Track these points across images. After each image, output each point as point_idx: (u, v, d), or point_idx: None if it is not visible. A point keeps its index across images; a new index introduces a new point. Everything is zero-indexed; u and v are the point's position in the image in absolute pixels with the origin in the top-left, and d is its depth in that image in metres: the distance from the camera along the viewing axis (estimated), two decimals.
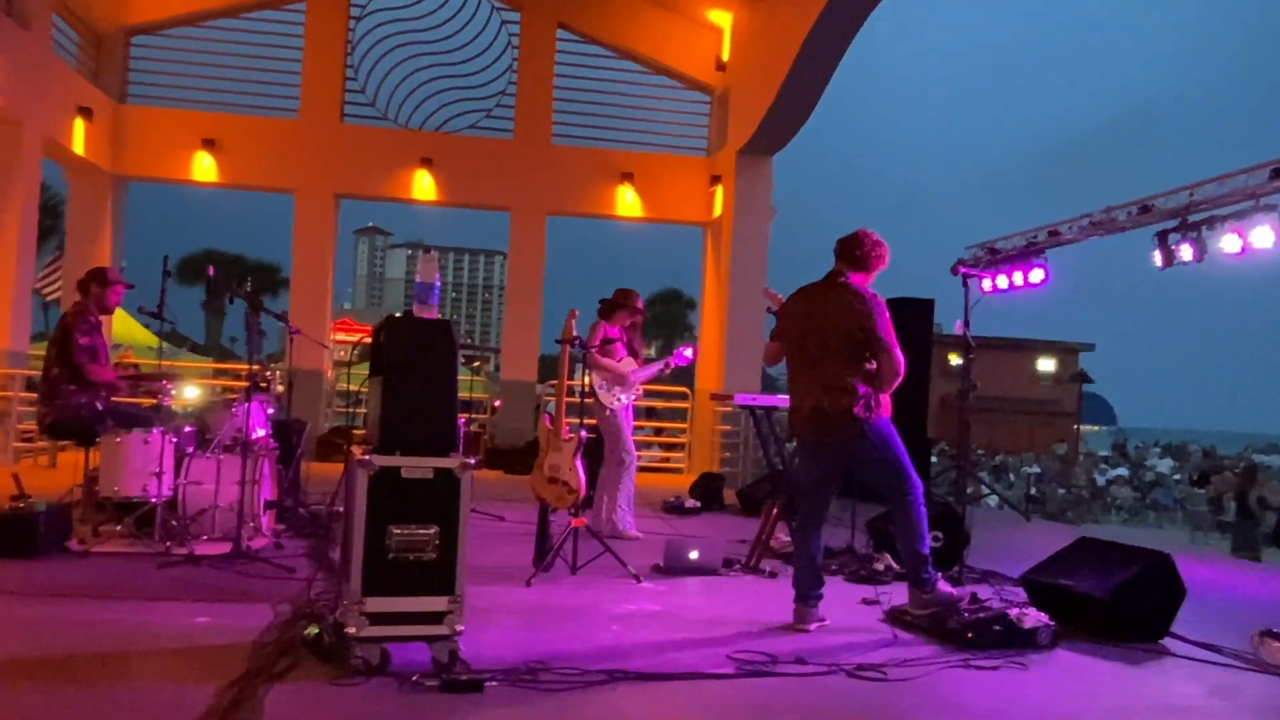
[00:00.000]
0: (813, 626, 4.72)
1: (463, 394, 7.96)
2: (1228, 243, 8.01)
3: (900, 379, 4.75)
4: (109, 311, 6.76)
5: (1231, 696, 3.99)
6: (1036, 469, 25.00)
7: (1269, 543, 14.47)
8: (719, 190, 13.73)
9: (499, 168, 13.76)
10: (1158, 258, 8.87)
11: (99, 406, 6.20)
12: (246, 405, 6.05)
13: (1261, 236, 7.67)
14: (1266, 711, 3.72)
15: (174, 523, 5.88)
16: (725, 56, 13.84)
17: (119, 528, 5.82)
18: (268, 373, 6.64)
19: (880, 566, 6.08)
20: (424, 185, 13.64)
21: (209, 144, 13.10)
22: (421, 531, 3.62)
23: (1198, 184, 8.60)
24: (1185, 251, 8.51)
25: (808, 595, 4.79)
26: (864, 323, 4.70)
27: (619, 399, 7.01)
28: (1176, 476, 26.52)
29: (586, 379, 6.77)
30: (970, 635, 4.47)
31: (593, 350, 6.75)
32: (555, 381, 7.00)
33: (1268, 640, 4.45)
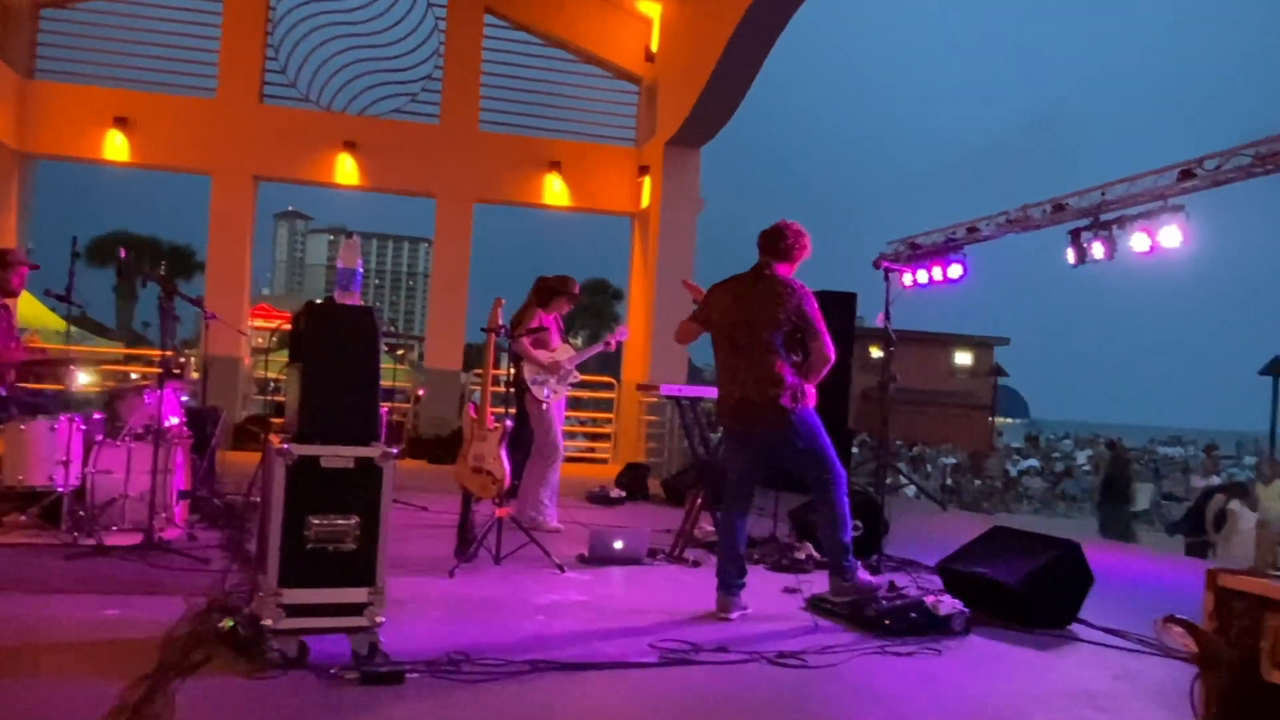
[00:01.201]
0: (735, 615, 4.77)
1: (385, 382, 7.84)
2: (1137, 241, 8.28)
3: (830, 366, 4.84)
4: (12, 294, 6.50)
5: (1134, 680, 4.14)
6: (953, 460, 25.60)
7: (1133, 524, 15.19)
8: (647, 181, 13.74)
9: (424, 153, 13.56)
10: (1071, 255, 9.12)
11: (2, 393, 5.96)
12: (159, 392, 5.87)
13: (1169, 236, 7.94)
14: (1167, 694, 3.86)
15: (81, 513, 5.69)
16: (654, 47, 13.84)
17: (23, 518, 5.60)
18: (181, 359, 6.45)
19: (802, 555, 6.16)
20: (346, 169, 13.38)
21: (121, 122, 12.66)
22: (341, 522, 3.56)
23: (1109, 184, 8.87)
24: (1097, 250, 8.78)
25: (731, 584, 4.83)
26: (796, 310, 4.76)
27: (551, 392, 6.95)
28: (1086, 467, 27.44)
29: (511, 369, 6.73)
30: (888, 622, 4.56)
31: (523, 341, 6.70)
32: (480, 370, 6.92)
33: (1170, 625, 4.62)
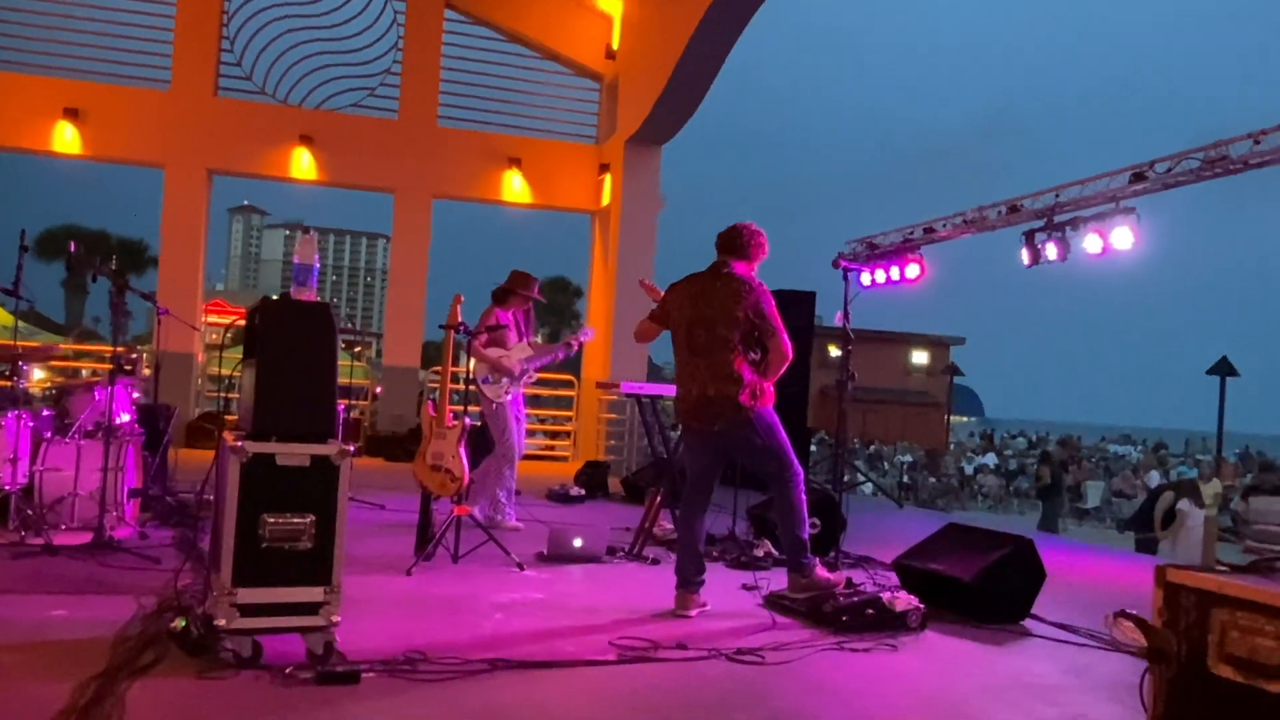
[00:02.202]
0: (694, 612, 4.78)
1: (342, 379, 7.76)
2: (1090, 243, 8.41)
3: (787, 364, 4.87)
4: None
5: (1085, 674, 4.21)
6: (909, 458, 25.89)
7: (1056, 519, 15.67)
8: (607, 179, 13.73)
9: (383, 148, 13.44)
10: (1025, 256, 9.25)
11: None
12: (110, 388, 5.77)
13: (1121, 237, 8.07)
14: (1115, 688, 3.93)
15: (30, 511, 5.58)
16: (615, 45, 13.83)
17: None
18: (133, 355, 6.34)
19: (760, 553, 6.20)
20: (303, 164, 13.22)
21: (72, 114, 12.41)
22: (297, 520, 3.52)
23: (1063, 186, 9.00)
24: (1051, 250, 8.90)
25: (690, 581, 4.85)
26: (755, 307, 4.78)
27: (505, 391, 6.90)
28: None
29: (471, 365, 6.68)
30: (845, 619, 4.60)
31: (476, 342, 6.64)
32: (439, 368, 6.87)
33: (1120, 620, 4.70)
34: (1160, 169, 7.89)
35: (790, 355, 4.87)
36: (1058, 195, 8.96)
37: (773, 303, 4.86)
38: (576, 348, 7.56)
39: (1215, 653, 2.70)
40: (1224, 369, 17.39)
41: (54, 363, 12.78)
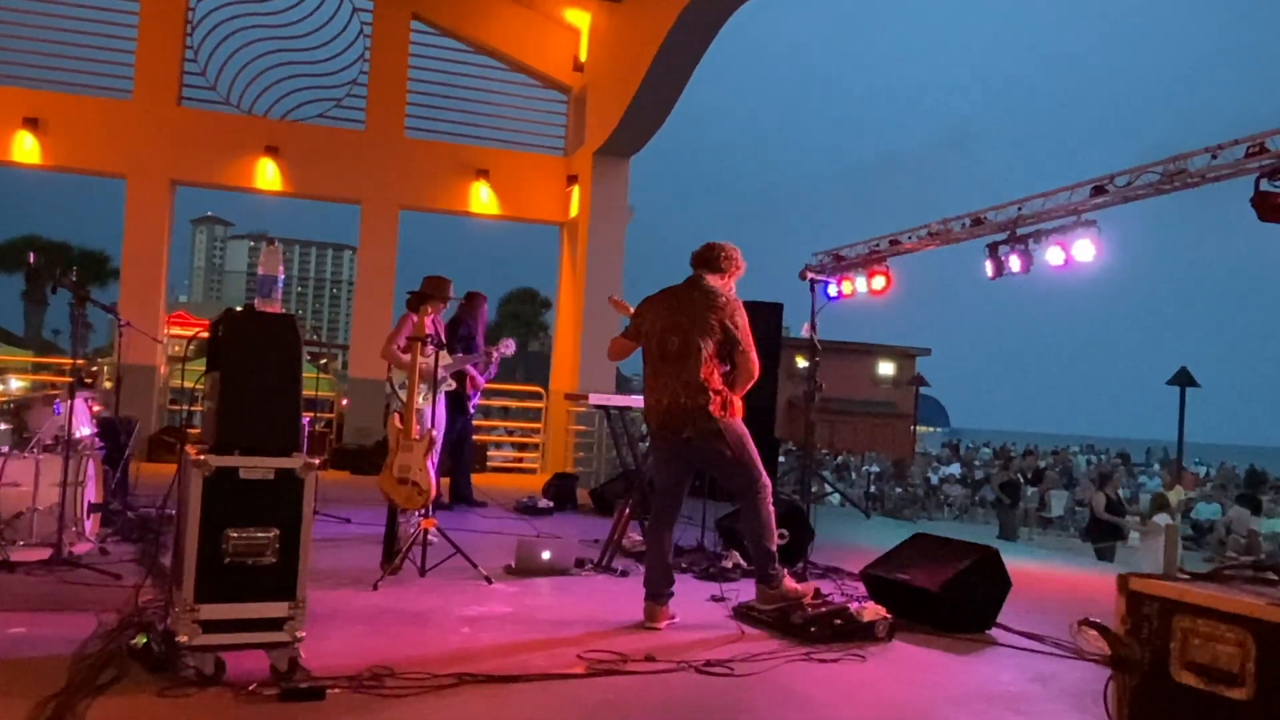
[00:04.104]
0: (663, 624, 4.78)
1: (308, 392, 7.67)
2: (1052, 255, 8.50)
3: (755, 379, 4.91)
4: None
5: (1049, 682, 4.25)
6: (876, 468, 26.03)
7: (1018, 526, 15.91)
8: (575, 190, 13.73)
9: (349, 159, 13.36)
10: (989, 268, 9.33)
11: None
12: (69, 402, 5.68)
13: (1082, 250, 8.17)
14: (1080, 696, 3.97)
15: None
16: (583, 57, 13.85)
17: None
18: (94, 367, 6.25)
19: (729, 564, 6.20)
20: (268, 175, 13.10)
21: (31, 123, 12.22)
22: (261, 534, 3.48)
23: (1025, 199, 9.10)
24: (1014, 262, 8.99)
25: (659, 594, 4.84)
26: (728, 320, 4.82)
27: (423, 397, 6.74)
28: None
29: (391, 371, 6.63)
30: (813, 629, 4.61)
31: (393, 346, 6.61)
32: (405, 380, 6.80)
33: (1085, 629, 4.75)
34: (1120, 183, 8.00)
35: (757, 373, 4.93)
36: (1020, 208, 9.06)
37: (746, 318, 4.91)
38: (496, 359, 7.57)
39: (1178, 660, 2.73)
40: (1184, 379, 17.65)
41: (11, 375, 12.56)
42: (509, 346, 7.63)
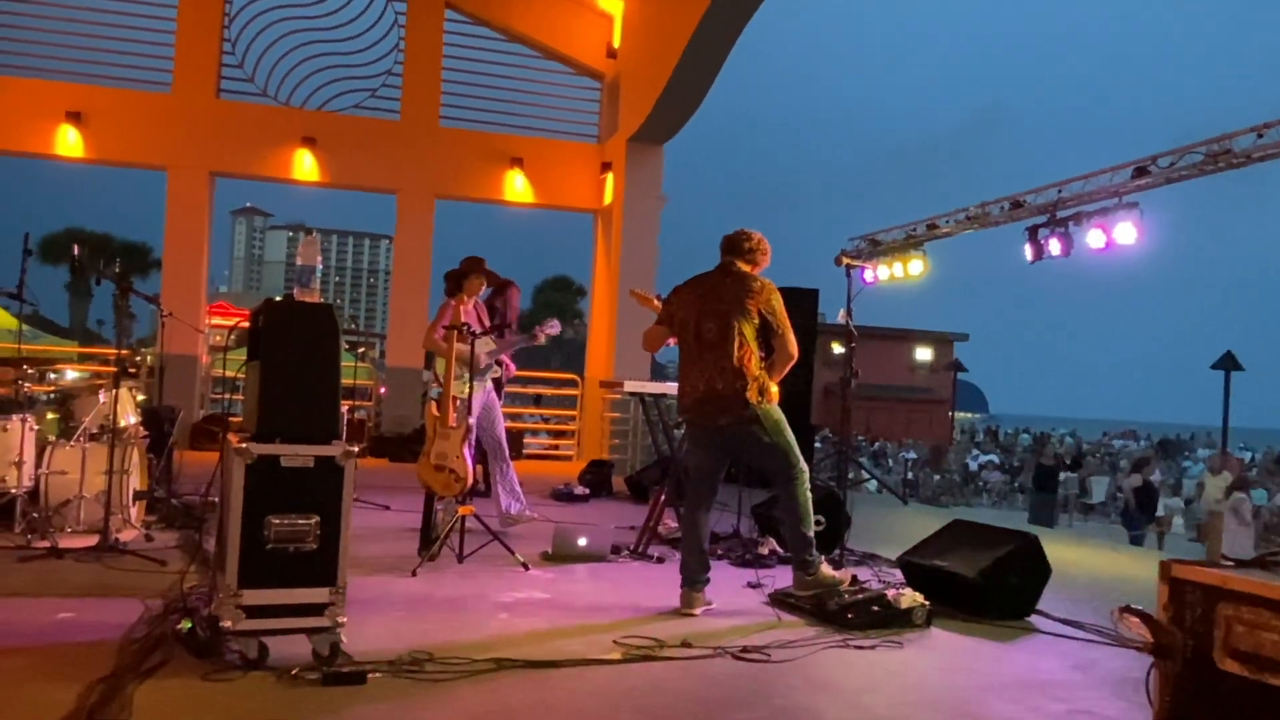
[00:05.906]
0: (699, 610, 4.79)
1: (346, 380, 7.74)
2: (1093, 238, 8.40)
3: (794, 362, 4.90)
4: None
5: (1090, 670, 4.20)
6: (913, 454, 25.89)
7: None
8: (609, 177, 13.72)
9: (385, 149, 13.44)
10: (1028, 251, 9.24)
11: None
12: (114, 391, 5.78)
13: (1124, 232, 8.06)
14: (1121, 683, 3.93)
15: (35, 515, 5.60)
16: (616, 44, 13.82)
17: None
18: (137, 357, 6.35)
19: (765, 550, 6.19)
20: (305, 165, 13.22)
21: (74, 117, 12.41)
22: (302, 521, 3.52)
23: (1065, 181, 8.99)
24: (1054, 246, 8.89)
25: (694, 580, 4.85)
26: (766, 303, 4.82)
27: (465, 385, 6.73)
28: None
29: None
30: (850, 616, 4.60)
31: (435, 335, 6.49)
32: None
33: (1126, 616, 4.70)
34: (1163, 164, 7.87)
35: (796, 355, 4.92)
36: (1060, 191, 8.95)
37: (781, 301, 4.90)
38: (542, 339, 7.54)
39: (1221, 648, 2.69)
40: (1229, 364, 17.36)
41: (58, 366, 12.78)
42: (554, 326, 7.63)
